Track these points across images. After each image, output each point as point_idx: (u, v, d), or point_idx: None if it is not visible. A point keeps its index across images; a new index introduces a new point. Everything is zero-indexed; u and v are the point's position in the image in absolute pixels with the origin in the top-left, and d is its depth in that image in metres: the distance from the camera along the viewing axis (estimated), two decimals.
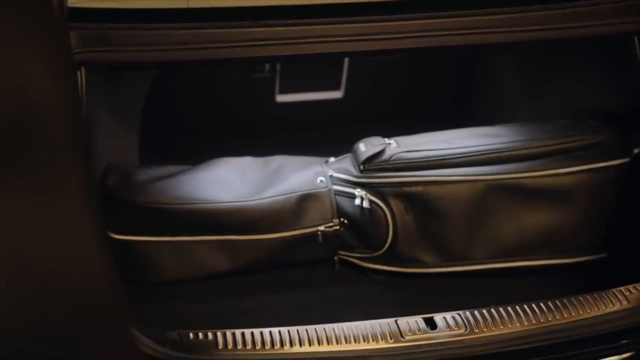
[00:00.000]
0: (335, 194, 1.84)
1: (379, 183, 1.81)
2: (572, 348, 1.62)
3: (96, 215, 1.76)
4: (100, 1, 1.62)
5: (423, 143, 1.87)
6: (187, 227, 1.81)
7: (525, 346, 1.57)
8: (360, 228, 1.83)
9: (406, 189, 1.80)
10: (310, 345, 1.51)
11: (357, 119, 2.31)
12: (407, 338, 1.54)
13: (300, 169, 1.90)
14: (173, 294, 1.81)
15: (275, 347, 1.50)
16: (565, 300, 1.63)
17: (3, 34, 1.02)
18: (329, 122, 2.34)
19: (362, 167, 1.84)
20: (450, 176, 1.80)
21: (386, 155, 1.83)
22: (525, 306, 1.61)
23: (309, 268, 1.87)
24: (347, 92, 2.39)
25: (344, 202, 1.83)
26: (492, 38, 1.76)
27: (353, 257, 1.87)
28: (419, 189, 1.80)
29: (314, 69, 2.33)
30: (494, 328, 1.57)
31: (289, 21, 1.66)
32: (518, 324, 1.57)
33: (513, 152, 1.83)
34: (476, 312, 1.60)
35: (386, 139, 1.87)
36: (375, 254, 1.84)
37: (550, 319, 1.59)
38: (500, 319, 1.58)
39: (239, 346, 1.50)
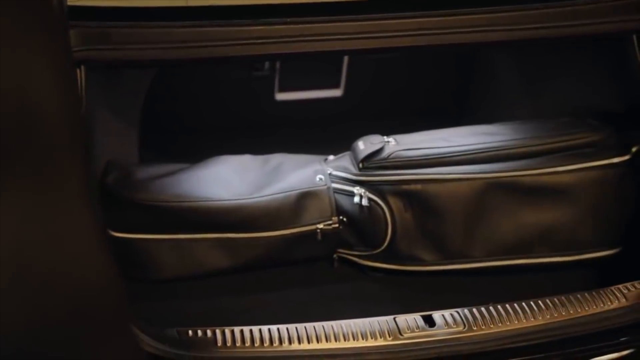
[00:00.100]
0: (334, 192, 1.84)
1: (378, 181, 1.82)
2: (570, 345, 1.63)
3: (96, 214, 1.77)
4: None
5: (422, 141, 1.87)
6: (187, 225, 1.81)
7: (523, 343, 1.57)
8: (359, 226, 1.84)
9: (405, 187, 1.80)
10: (309, 342, 1.52)
11: (356, 117, 2.31)
12: (406, 335, 1.54)
13: (300, 167, 1.90)
14: (172, 292, 1.81)
15: (274, 345, 1.51)
16: (563, 298, 1.63)
17: (3, 33, 1.02)
18: (328, 120, 2.34)
19: (361, 165, 1.84)
20: (449, 174, 1.80)
21: (385, 153, 1.83)
22: (523, 304, 1.62)
23: (308, 266, 1.87)
24: (346, 90, 2.39)
25: (343, 200, 1.83)
26: (492, 36, 1.76)
27: (352, 255, 1.87)
28: (418, 187, 1.80)
29: (314, 67, 2.33)
30: (492, 326, 1.57)
31: (288, 19, 1.67)
32: (516, 322, 1.58)
33: (512, 150, 1.84)
34: (474, 310, 1.60)
35: (385, 137, 1.88)
36: (374, 252, 1.84)
37: (548, 316, 1.60)
38: (499, 317, 1.59)
39: (238, 343, 1.50)
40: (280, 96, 2.37)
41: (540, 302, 1.62)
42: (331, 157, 1.94)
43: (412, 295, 1.82)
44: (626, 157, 1.84)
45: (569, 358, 1.64)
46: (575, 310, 1.62)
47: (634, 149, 1.85)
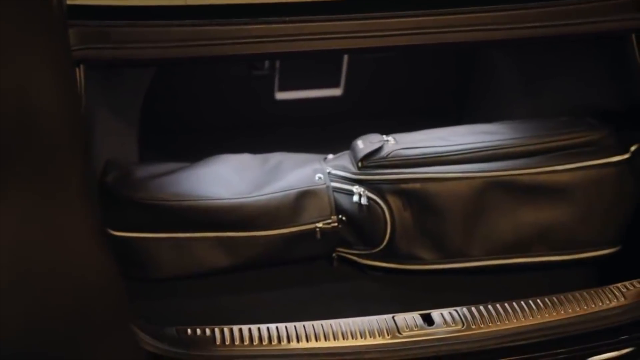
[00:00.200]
0: (333, 191, 1.84)
1: (377, 180, 1.82)
2: (569, 344, 1.63)
3: (96, 214, 1.77)
4: None
5: (421, 140, 1.87)
6: (186, 224, 1.81)
7: (521, 342, 1.57)
8: (358, 225, 1.84)
9: (404, 185, 1.81)
10: (307, 341, 1.52)
11: (356, 116, 2.31)
12: (404, 334, 1.55)
13: (299, 166, 1.90)
14: (172, 291, 1.82)
15: (273, 343, 1.51)
16: (562, 297, 1.64)
17: (2, 33, 1.03)
18: (328, 120, 2.34)
19: (360, 164, 1.84)
20: (448, 173, 1.80)
21: (384, 152, 1.83)
22: (522, 302, 1.62)
23: (308, 265, 1.87)
24: (346, 90, 2.39)
25: (342, 199, 1.84)
26: (491, 35, 1.77)
27: (351, 254, 1.87)
28: (417, 185, 1.80)
29: (313, 67, 2.33)
30: (490, 324, 1.58)
31: (287, 18, 1.67)
32: (515, 320, 1.58)
33: (510, 149, 1.84)
34: (473, 309, 1.60)
35: (384, 136, 1.88)
36: (374, 251, 1.85)
37: (547, 315, 1.60)
38: (497, 315, 1.59)
39: (237, 342, 1.51)
40: (280, 95, 2.37)
41: (538, 300, 1.63)
42: (330, 156, 1.94)
43: (411, 294, 1.82)
44: (625, 156, 1.84)
45: (568, 356, 1.65)
46: (573, 309, 1.62)
47: (632, 148, 1.85)
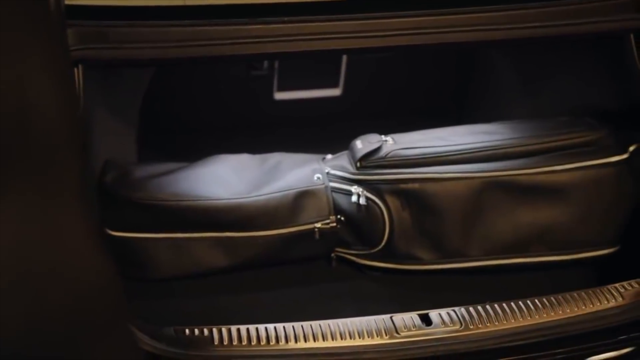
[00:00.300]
0: (332, 191, 1.84)
1: (376, 180, 1.82)
2: (567, 344, 1.63)
3: (94, 214, 1.77)
4: None
5: (419, 140, 1.87)
6: (185, 224, 1.81)
7: (520, 342, 1.57)
8: (356, 225, 1.84)
9: (403, 185, 1.81)
10: (305, 341, 1.52)
11: (355, 116, 2.31)
12: (402, 334, 1.55)
13: (298, 166, 1.90)
14: (170, 291, 1.82)
15: (271, 343, 1.51)
16: (560, 297, 1.64)
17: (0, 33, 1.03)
18: (327, 120, 2.34)
19: (358, 164, 1.84)
20: (446, 173, 1.80)
21: (383, 152, 1.83)
22: (520, 302, 1.62)
23: (306, 265, 1.87)
24: (345, 90, 2.39)
25: (341, 199, 1.84)
26: (490, 35, 1.77)
27: (350, 254, 1.87)
28: (416, 186, 1.80)
29: (312, 67, 2.33)
30: (488, 324, 1.58)
31: (285, 18, 1.67)
32: (513, 320, 1.58)
33: (509, 150, 1.84)
34: (471, 309, 1.60)
35: (383, 136, 1.88)
36: (372, 251, 1.85)
37: (545, 315, 1.60)
38: (495, 316, 1.59)
39: (235, 342, 1.51)
40: (279, 95, 2.37)
41: (537, 300, 1.63)
42: (329, 156, 1.94)
43: (410, 294, 1.82)
44: (624, 156, 1.84)
45: (566, 357, 1.65)
46: (572, 309, 1.62)
47: (631, 148, 1.85)
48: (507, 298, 1.64)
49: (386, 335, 1.54)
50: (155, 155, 2.11)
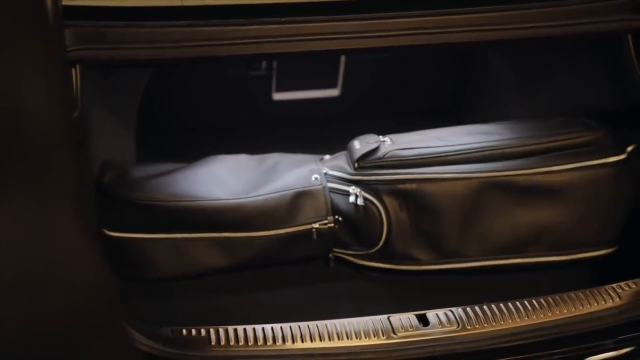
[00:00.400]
0: (329, 192, 1.84)
1: (373, 180, 1.82)
2: (565, 344, 1.63)
3: (87, 214, 1.77)
4: None
5: (417, 140, 1.87)
6: (183, 224, 1.81)
7: (517, 342, 1.58)
8: (354, 225, 1.84)
9: (400, 186, 1.81)
10: (302, 341, 1.52)
11: (353, 116, 2.31)
12: (399, 335, 1.55)
13: (295, 167, 1.90)
14: (168, 291, 1.82)
15: (268, 344, 1.51)
16: (557, 297, 1.64)
17: None
18: (325, 120, 2.34)
19: (356, 164, 1.84)
20: (444, 174, 1.80)
21: (380, 153, 1.83)
22: (517, 303, 1.62)
23: (304, 265, 1.87)
24: (343, 90, 2.39)
25: (339, 200, 1.84)
26: (489, 35, 1.76)
27: (348, 255, 1.87)
28: (413, 186, 1.80)
29: (311, 67, 2.33)
30: (486, 325, 1.58)
31: (283, 19, 1.67)
32: (510, 321, 1.58)
33: (507, 150, 1.84)
34: (468, 309, 1.61)
35: (380, 137, 1.88)
36: (370, 251, 1.85)
37: (542, 315, 1.60)
38: (493, 316, 1.59)
39: (232, 342, 1.51)
40: (278, 96, 2.37)
41: (534, 301, 1.63)
42: (327, 157, 1.94)
43: (408, 294, 1.82)
44: (621, 157, 1.84)
45: (564, 357, 1.65)
46: (569, 310, 1.62)
47: (629, 149, 1.85)
48: (505, 298, 1.64)
49: (383, 335, 1.54)
50: (153, 155, 2.11)
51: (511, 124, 1.95)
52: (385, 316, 1.59)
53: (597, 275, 1.85)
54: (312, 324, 1.55)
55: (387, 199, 1.81)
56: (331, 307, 1.77)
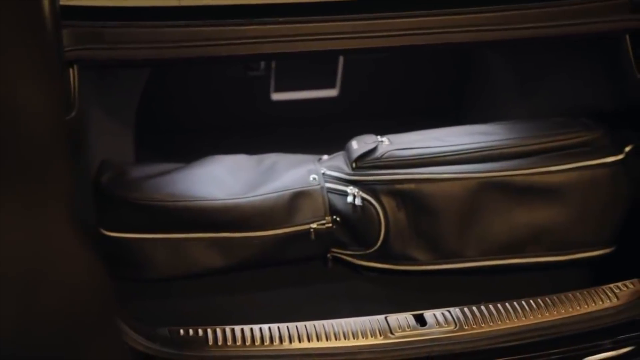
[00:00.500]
0: (327, 192, 1.84)
1: (371, 181, 1.82)
2: (562, 344, 1.63)
3: (88, 215, 1.76)
4: None
5: (415, 141, 1.87)
6: (181, 224, 1.81)
7: (514, 343, 1.58)
8: (352, 225, 1.84)
9: (398, 186, 1.81)
10: (300, 341, 1.52)
11: (352, 116, 2.31)
12: (397, 335, 1.55)
13: (293, 167, 1.90)
14: (166, 291, 1.82)
15: (266, 344, 1.51)
16: (555, 297, 1.64)
17: None
18: (324, 120, 2.34)
19: (354, 164, 1.84)
20: (442, 174, 1.80)
21: (378, 153, 1.83)
22: (514, 303, 1.62)
23: (302, 265, 1.87)
24: (342, 90, 2.39)
25: (337, 200, 1.84)
26: (487, 36, 1.76)
27: (346, 255, 1.87)
28: (411, 186, 1.80)
29: (309, 67, 2.33)
30: (483, 325, 1.58)
31: (281, 19, 1.67)
32: (507, 321, 1.58)
33: (505, 150, 1.84)
34: (466, 309, 1.61)
35: (379, 137, 1.88)
36: (368, 252, 1.85)
37: (539, 315, 1.60)
38: (490, 316, 1.59)
39: (229, 342, 1.51)
40: (276, 96, 2.37)
41: (531, 301, 1.63)
42: (325, 157, 1.94)
43: (406, 294, 1.82)
44: (619, 157, 1.84)
45: (562, 357, 1.65)
46: (567, 310, 1.62)
47: (627, 149, 1.85)
48: (503, 298, 1.64)
49: (380, 335, 1.54)
50: (152, 155, 2.11)
51: (510, 124, 1.95)
52: (383, 316, 1.59)
53: (595, 275, 1.84)
54: (309, 324, 1.55)
55: (385, 199, 1.81)
56: (329, 307, 1.76)
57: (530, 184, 1.81)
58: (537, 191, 1.81)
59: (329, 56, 2.25)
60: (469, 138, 1.87)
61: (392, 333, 1.55)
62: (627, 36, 1.81)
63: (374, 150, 1.84)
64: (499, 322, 1.58)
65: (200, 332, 1.52)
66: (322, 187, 1.84)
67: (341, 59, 2.34)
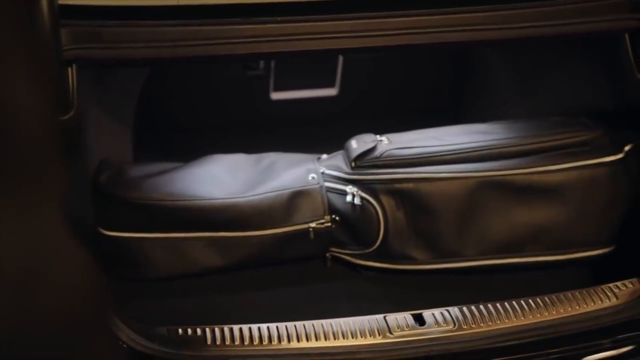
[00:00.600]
0: (326, 191, 1.84)
1: (370, 180, 1.82)
2: (561, 344, 1.63)
3: (87, 214, 1.76)
4: None
5: (415, 140, 1.87)
6: (180, 224, 1.81)
7: (513, 342, 1.57)
8: (351, 225, 1.84)
9: (397, 185, 1.80)
10: (299, 341, 1.52)
11: (352, 116, 2.31)
12: (396, 334, 1.55)
13: (292, 166, 1.90)
14: (165, 290, 1.82)
15: (264, 343, 1.51)
16: (554, 297, 1.64)
17: None
18: (324, 120, 2.34)
19: (353, 164, 1.84)
20: (441, 173, 1.80)
21: (377, 152, 1.83)
22: (513, 302, 1.62)
23: (301, 264, 1.87)
24: (341, 90, 2.39)
25: (336, 199, 1.84)
26: (486, 35, 1.76)
27: (345, 254, 1.87)
28: (410, 185, 1.80)
29: (309, 67, 2.33)
30: (482, 324, 1.58)
31: (280, 18, 1.67)
32: (506, 320, 1.58)
33: (504, 149, 1.84)
34: (465, 309, 1.61)
35: (378, 136, 1.88)
36: (367, 251, 1.84)
37: (538, 315, 1.60)
38: (489, 315, 1.59)
39: (228, 342, 1.51)
40: (276, 95, 2.37)
41: (530, 300, 1.63)
42: (324, 156, 1.94)
43: (405, 294, 1.82)
44: (619, 156, 1.83)
45: (561, 356, 1.65)
46: (566, 309, 1.62)
47: (626, 148, 1.85)
48: (502, 298, 1.64)
49: (379, 335, 1.54)
50: (150, 154, 2.11)
51: (509, 124, 1.95)
52: (382, 316, 1.58)
53: (594, 274, 1.84)
54: (308, 323, 1.55)
55: (384, 199, 1.81)
56: (328, 306, 1.76)
57: (529, 183, 1.81)
58: (536, 190, 1.81)
59: (327, 55, 2.25)
60: (468, 137, 1.87)
61: (390, 332, 1.55)
62: (627, 35, 1.81)
63: (373, 149, 1.84)
64: (498, 322, 1.58)
65: (199, 331, 1.52)
66: (321, 187, 1.84)
67: (341, 58, 2.34)
